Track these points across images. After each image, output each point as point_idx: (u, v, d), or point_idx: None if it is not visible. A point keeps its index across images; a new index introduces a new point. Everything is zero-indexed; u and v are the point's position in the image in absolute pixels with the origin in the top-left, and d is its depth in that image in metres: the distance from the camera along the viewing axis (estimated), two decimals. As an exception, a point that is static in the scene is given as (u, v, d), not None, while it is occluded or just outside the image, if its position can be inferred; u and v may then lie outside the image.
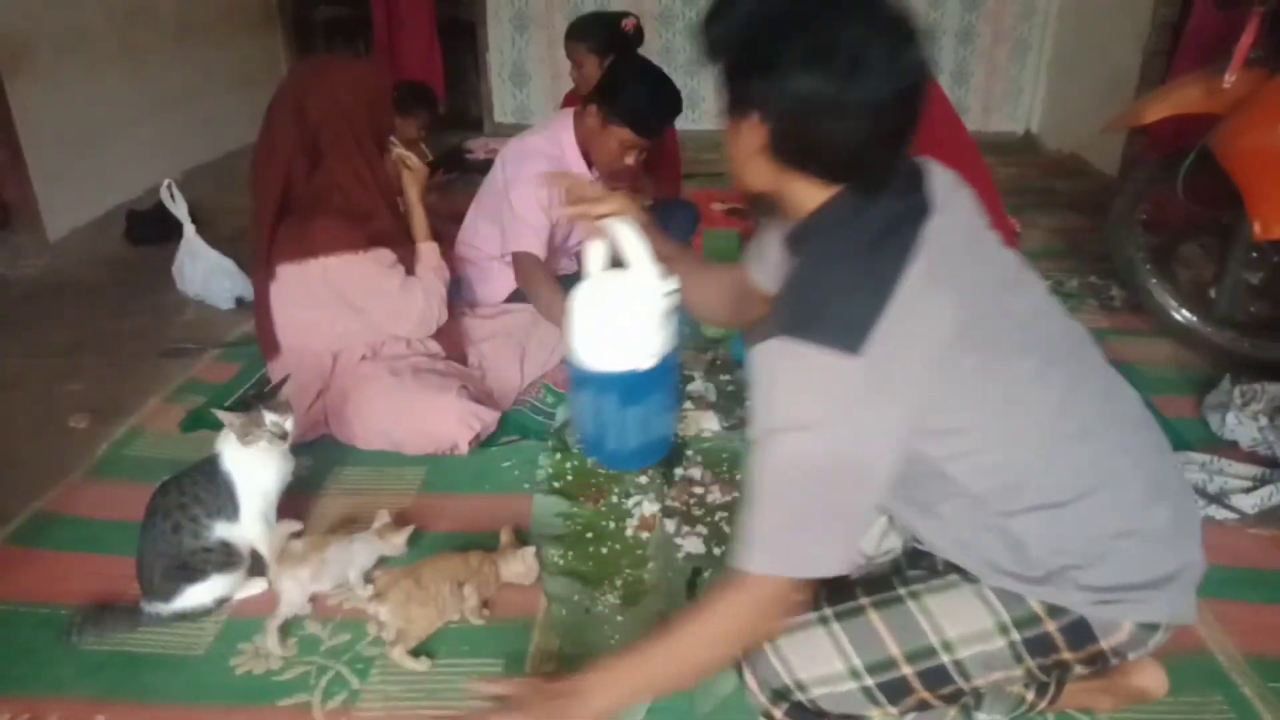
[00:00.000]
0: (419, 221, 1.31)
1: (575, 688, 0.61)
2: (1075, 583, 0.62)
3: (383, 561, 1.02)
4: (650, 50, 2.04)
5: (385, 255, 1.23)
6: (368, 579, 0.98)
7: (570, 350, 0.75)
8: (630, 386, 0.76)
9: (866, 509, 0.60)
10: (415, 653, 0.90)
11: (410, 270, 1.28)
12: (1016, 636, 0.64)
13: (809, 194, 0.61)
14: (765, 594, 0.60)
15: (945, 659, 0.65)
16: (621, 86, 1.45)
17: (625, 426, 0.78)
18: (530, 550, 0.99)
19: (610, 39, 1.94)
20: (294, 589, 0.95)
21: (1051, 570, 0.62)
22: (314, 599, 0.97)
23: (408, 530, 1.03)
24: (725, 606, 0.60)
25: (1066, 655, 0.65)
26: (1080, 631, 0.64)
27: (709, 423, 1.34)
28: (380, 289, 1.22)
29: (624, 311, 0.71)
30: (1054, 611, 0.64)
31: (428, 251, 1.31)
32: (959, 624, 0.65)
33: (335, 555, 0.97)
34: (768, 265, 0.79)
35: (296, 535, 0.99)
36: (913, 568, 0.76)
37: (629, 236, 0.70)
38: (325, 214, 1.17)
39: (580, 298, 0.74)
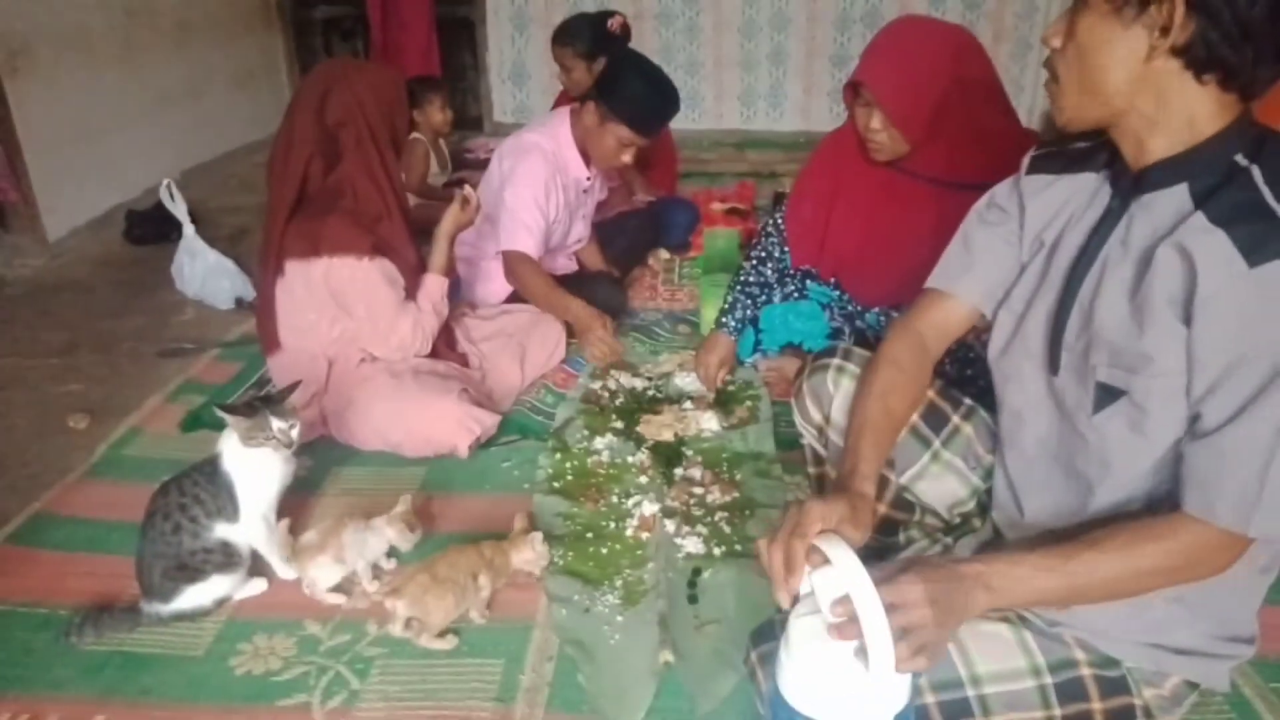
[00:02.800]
0: (439, 254, 1.31)
1: (982, 578, 0.56)
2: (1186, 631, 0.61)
3: (392, 552, 1.03)
4: (650, 49, 2.05)
5: (391, 270, 1.23)
6: (376, 574, 0.99)
7: (780, 686, 0.57)
8: None
9: None
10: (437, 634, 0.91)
11: (409, 284, 1.28)
12: (1048, 680, 0.63)
13: (1204, 112, 0.54)
14: (1216, 544, 0.54)
15: (970, 693, 0.64)
16: (621, 84, 1.45)
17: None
18: (538, 536, 1.00)
19: (597, 41, 1.92)
20: (323, 576, 0.96)
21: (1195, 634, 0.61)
22: (345, 584, 0.97)
23: (416, 533, 1.02)
24: (1168, 547, 0.55)
25: (1096, 705, 0.64)
26: (1117, 683, 0.63)
27: (709, 423, 1.34)
28: (375, 300, 1.22)
29: (850, 654, 0.54)
30: (1098, 661, 0.63)
31: (434, 284, 1.30)
32: (991, 659, 0.64)
33: (351, 539, 0.98)
34: (985, 274, 0.70)
35: (292, 530, 1.00)
36: None
37: (845, 564, 0.53)
38: (336, 214, 1.18)
39: (802, 625, 0.56)
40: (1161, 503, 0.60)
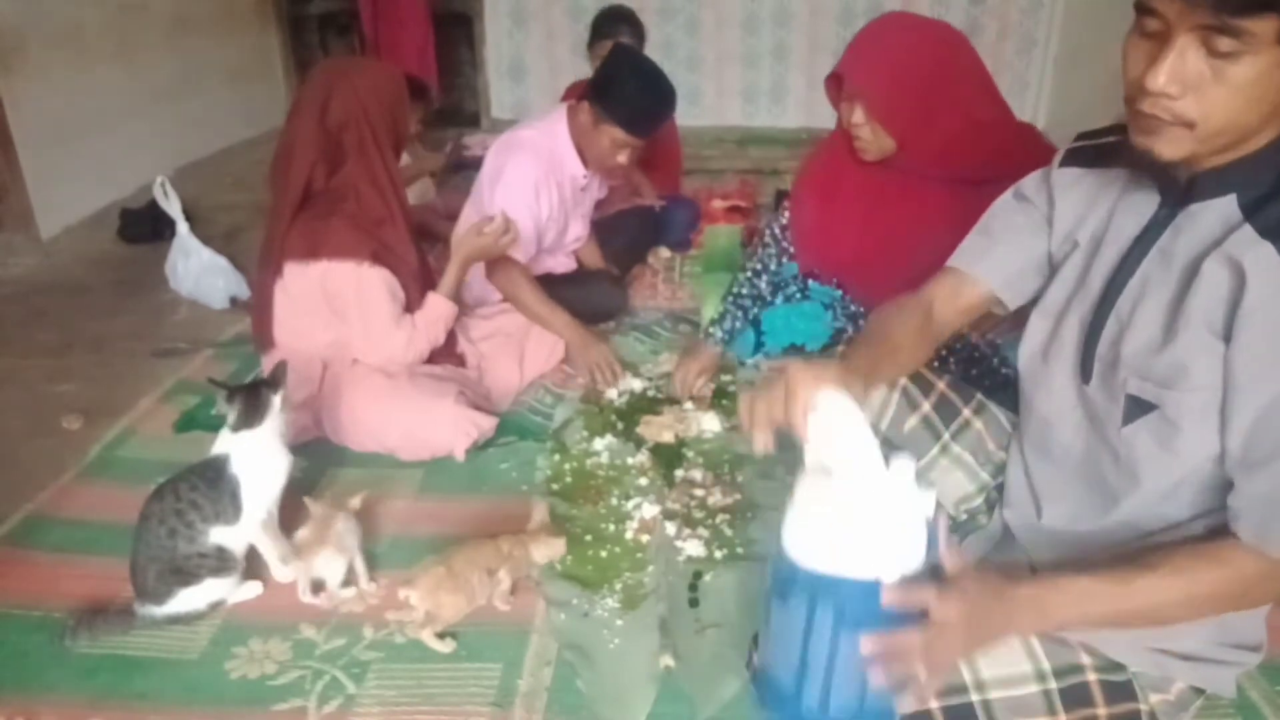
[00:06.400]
0: (450, 278, 1.29)
1: (1036, 602, 0.55)
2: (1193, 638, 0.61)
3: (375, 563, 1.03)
4: (651, 45, 2.02)
5: (392, 281, 1.21)
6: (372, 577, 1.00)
7: (784, 542, 0.54)
8: (858, 604, 0.51)
9: None
10: (440, 635, 0.91)
11: (410, 289, 1.25)
12: (1053, 685, 0.63)
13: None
14: (1270, 573, 0.54)
15: (975, 698, 0.63)
16: (615, 85, 1.43)
17: (837, 668, 0.53)
18: (563, 538, 1.00)
19: (637, 31, 1.92)
20: (331, 571, 0.96)
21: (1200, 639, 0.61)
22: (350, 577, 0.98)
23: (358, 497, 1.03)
24: (1223, 575, 0.54)
25: (1101, 710, 0.63)
26: (1123, 688, 0.63)
27: (710, 423, 1.33)
28: (370, 309, 1.20)
29: (866, 499, 0.51)
30: (1104, 666, 0.62)
31: (437, 307, 1.28)
32: (996, 665, 0.63)
33: (345, 526, 0.98)
34: (1006, 258, 0.68)
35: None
36: None
37: (845, 418, 0.52)
38: (337, 217, 1.17)
39: (807, 482, 0.54)
40: (1186, 522, 0.59)
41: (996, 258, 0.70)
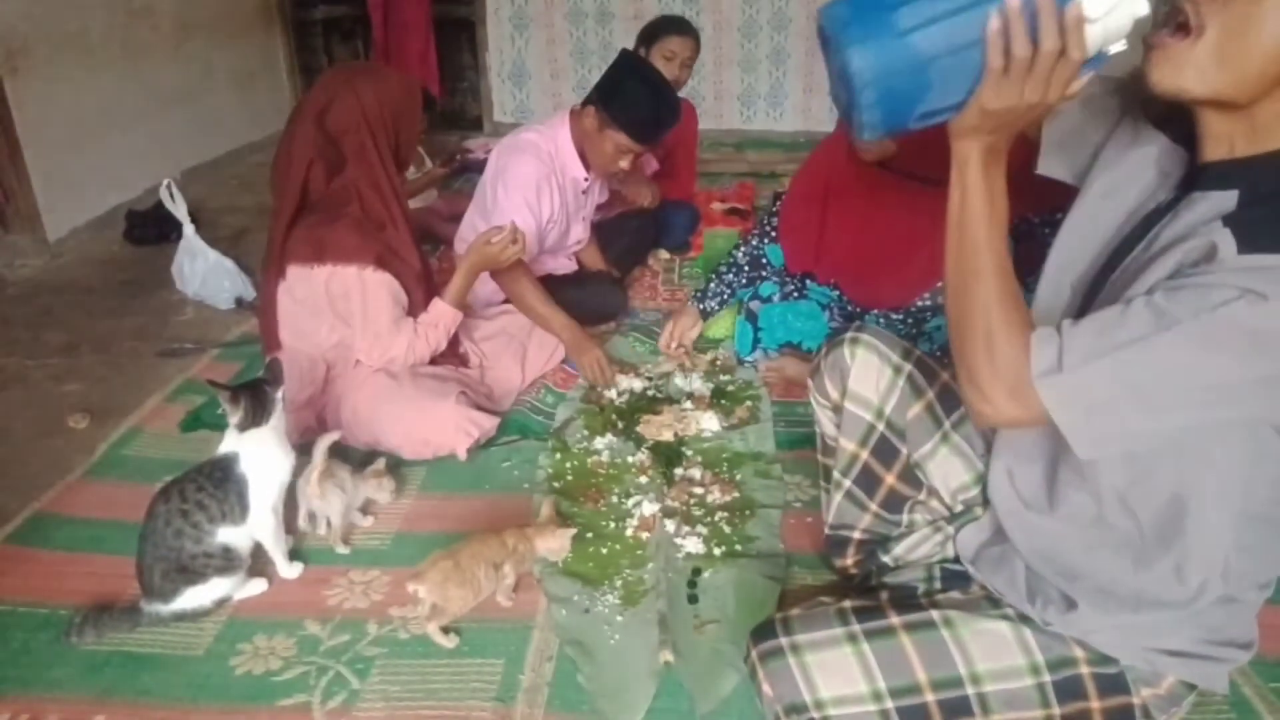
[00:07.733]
0: (457, 285, 1.29)
1: (996, 140, 0.54)
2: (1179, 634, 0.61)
3: (371, 503, 1.13)
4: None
5: (396, 287, 1.22)
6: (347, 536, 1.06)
7: None
8: None
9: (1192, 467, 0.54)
10: (444, 631, 0.92)
11: (414, 293, 1.27)
12: (1047, 678, 0.64)
13: None
14: (1019, 384, 0.53)
15: (970, 691, 0.64)
16: (622, 91, 1.44)
17: (961, 17, 0.50)
18: (570, 532, 1.02)
19: (696, 40, 1.95)
20: (337, 501, 1.06)
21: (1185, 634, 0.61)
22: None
23: (391, 487, 1.13)
24: (1009, 329, 0.54)
25: (1094, 703, 0.64)
26: (1115, 681, 0.63)
27: (709, 423, 1.34)
28: (373, 312, 1.21)
29: None
30: (1096, 659, 0.63)
31: (440, 314, 1.28)
32: (990, 658, 0.64)
33: (346, 474, 1.08)
34: (1071, 157, 0.67)
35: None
36: (946, 589, 0.75)
37: None
38: (342, 220, 1.18)
39: None
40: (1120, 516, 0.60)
41: (1066, 120, 0.66)
